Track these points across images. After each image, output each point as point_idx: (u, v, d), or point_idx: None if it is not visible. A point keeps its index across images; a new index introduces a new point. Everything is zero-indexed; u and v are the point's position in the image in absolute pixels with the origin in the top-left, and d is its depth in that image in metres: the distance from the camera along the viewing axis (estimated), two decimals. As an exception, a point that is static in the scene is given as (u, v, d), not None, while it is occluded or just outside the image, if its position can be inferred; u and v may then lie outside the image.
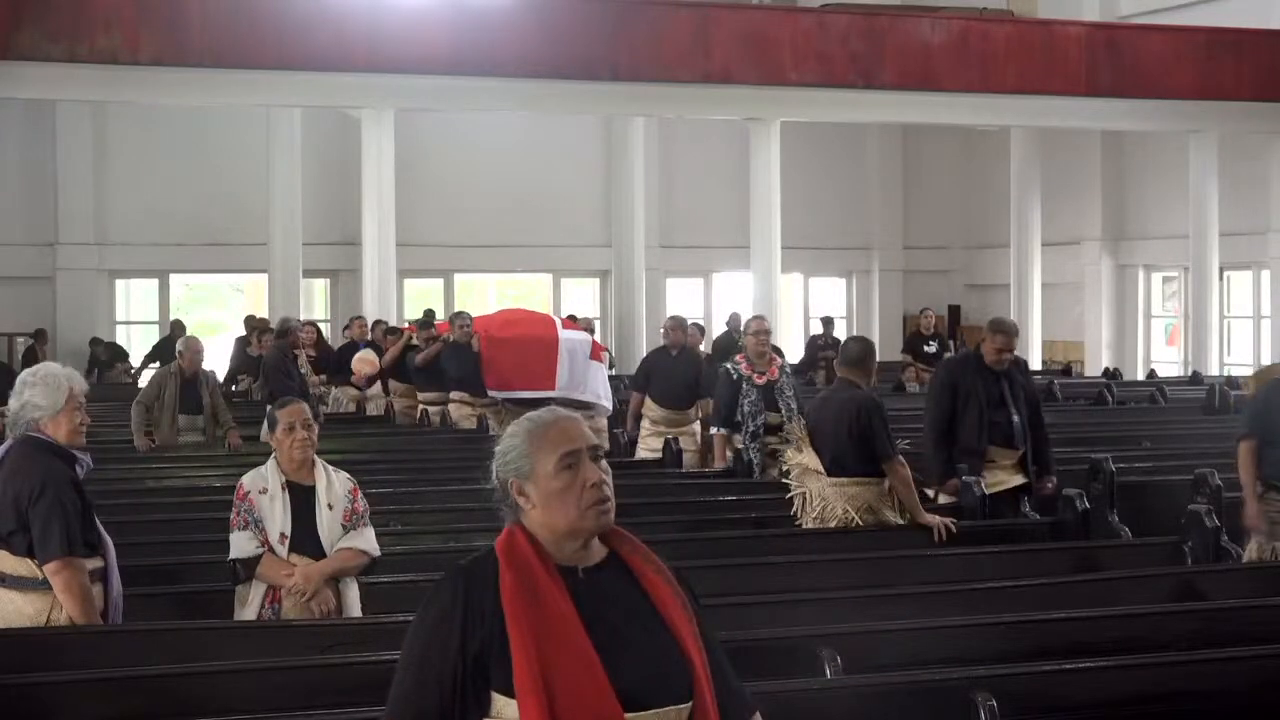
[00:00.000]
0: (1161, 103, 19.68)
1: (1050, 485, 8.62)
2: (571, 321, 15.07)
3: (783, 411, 9.76)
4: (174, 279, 23.72)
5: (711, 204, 24.32)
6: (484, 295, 25.58)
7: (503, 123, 22.65)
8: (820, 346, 19.27)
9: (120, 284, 23.55)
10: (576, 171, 24.28)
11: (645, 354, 13.30)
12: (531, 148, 23.61)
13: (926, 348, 18.16)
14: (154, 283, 23.58)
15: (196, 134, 22.21)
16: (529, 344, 13.57)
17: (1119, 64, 19.44)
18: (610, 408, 13.75)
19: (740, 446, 9.90)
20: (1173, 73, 19.52)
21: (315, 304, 23.62)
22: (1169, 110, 19.83)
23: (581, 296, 24.72)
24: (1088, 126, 21.30)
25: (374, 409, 15.11)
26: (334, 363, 16.15)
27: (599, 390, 13.64)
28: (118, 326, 23.37)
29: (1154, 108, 19.78)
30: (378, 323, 16.49)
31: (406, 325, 16.01)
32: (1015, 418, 8.53)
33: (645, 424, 12.31)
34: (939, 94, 19.04)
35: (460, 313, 14.25)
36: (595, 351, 13.82)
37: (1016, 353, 8.91)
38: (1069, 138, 22.49)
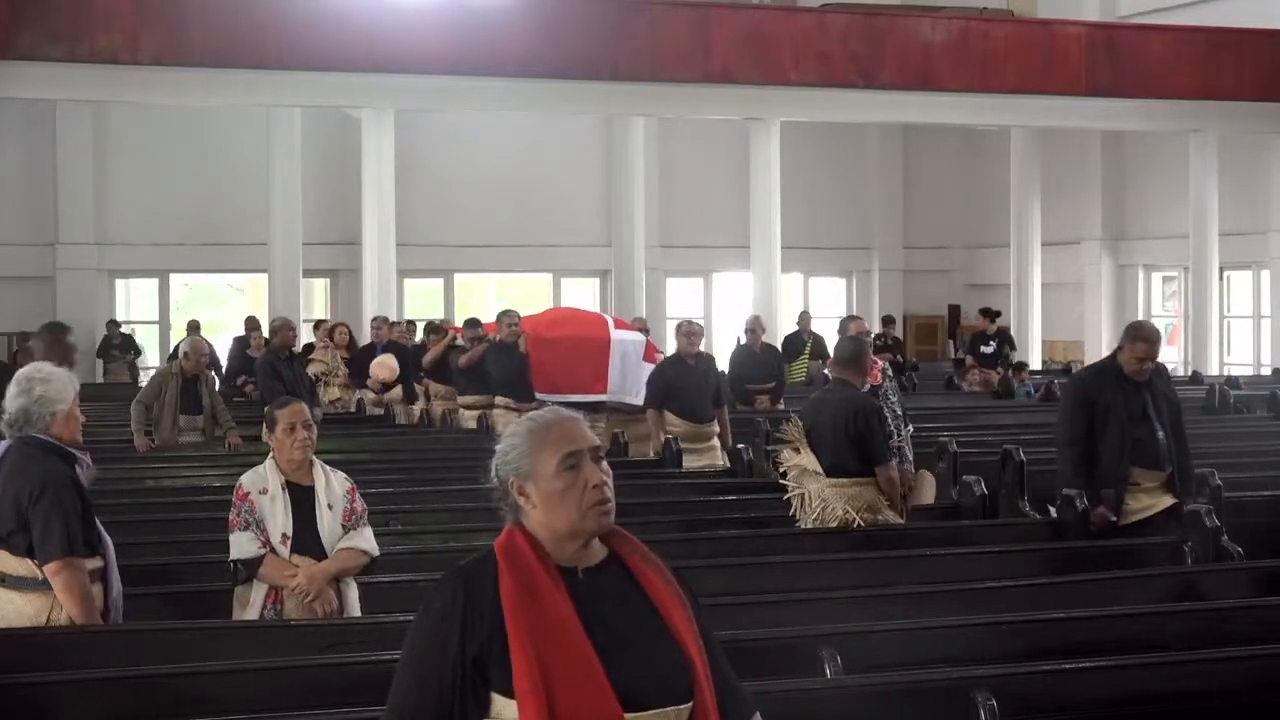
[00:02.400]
0: (1161, 103, 19.68)
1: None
2: (624, 321, 14.22)
3: (889, 420, 8.83)
4: (174, 279, 23.73)
5: (711, 204, 24.32)
6: (484, 295, 25.58)
7: (502, 123, 22.66)
8: (879, 348, 18.76)
9: (120, 284, 23.56)
10: (576, 171, 24.28)
11: (658, 365, 12.47)
12: (531, 148, 23.62)
13: (985, 348, 17.94)
14: (154, 283, 23.58)
15: (196, 134, 22.21)
16: (579, 345, 12.74)
17: (1119, 64, 19.43)
18: None
19: None
20: (1173, 73, 19.52)
21: (315, 304, 23.62)
22: (1169, 110, 19.83)
23: (581, 296, 24.72)
24: (1088, 126, 21.31)
25: (404, 416, 14.56)
26: (354, 365, 15.54)
27: None
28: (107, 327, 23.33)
29: (1154, 108, 19.78)
30: (421, 323, 16.12)
31: (453, 325, 15.47)
32: (1160, 434, 7.72)
33: (670, 439, 11.15)
34: (939, 94, 19.04)
35: (507, 311, 13.36)
36: (649, 353, 12.94)
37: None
38: (1069, 138, 22.49)
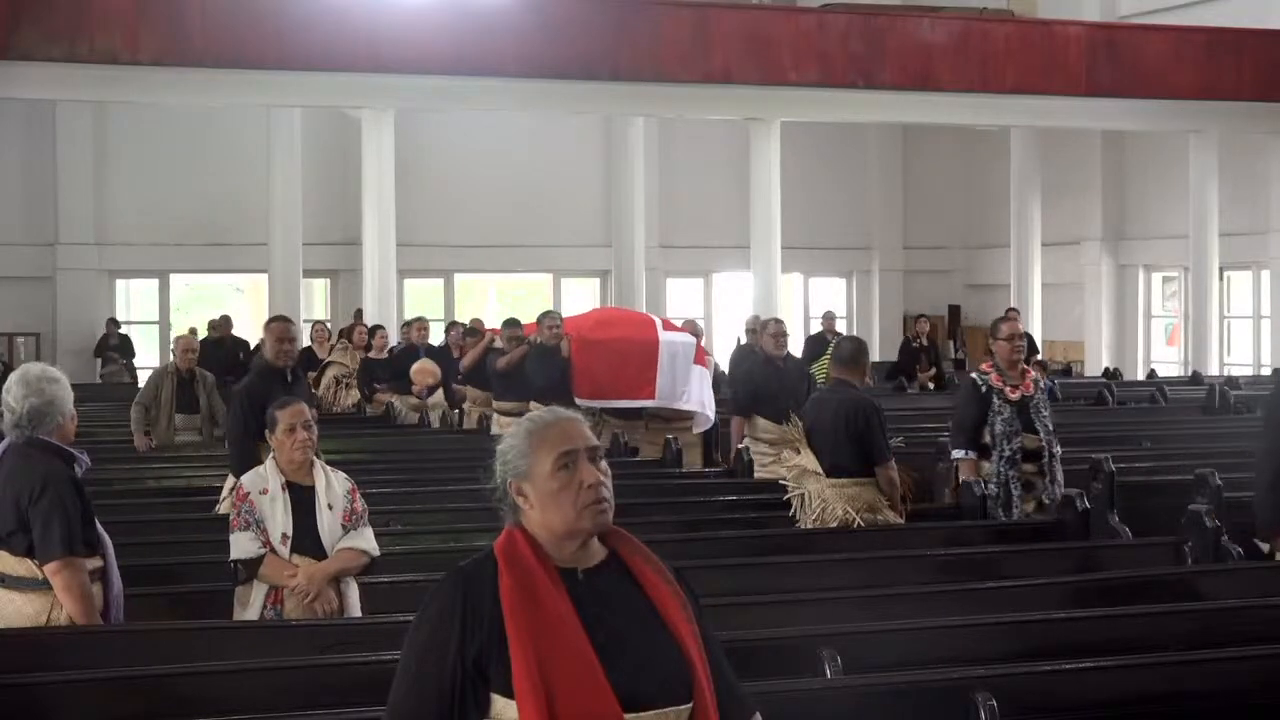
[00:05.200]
0: (1161, 103, 19.68)
1: None
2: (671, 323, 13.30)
3: (1040, 434, 8.22)
4: (174, 279, 23.74)
5: (711, 204, 24.32)
6: (484, 295, 25.59)
7: (503, 123, 22.66)
8: (918, 349, 18.12)
9: (120, 284, 23.56)
10: (576, 171, 24.28)
11: (745, 367, 11.79)
12: (531, 148, 23.62)
13: None
14: (154, 283, 23.59)
15: (196, 134, 22.21)
16: (625, 347, 12.05)
17: (1119, 64, 19.44)
18: (713, 418, 12.19)
19: (990, 474, 8.21)
20: (1173, 73, 19.53)
21: (315, 304, 23.62)
22: (1169, 110, 19.83)
23: (582, 296, 24.73)
24: (1088, 126, 21.31)
25: (436, 420, 13.81)
26: (392, 370, 14.70)
27: (703, 399, 12.06)
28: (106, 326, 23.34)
29: (1154, 108, 19.78)
30: (453, 323, 15.37)
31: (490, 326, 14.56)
32: None
33: (762, 448, 10.46)
34: (939, 94, 19.05)
35: (549, 312, 12.72)
36: (699, 356, 12.25)
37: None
38: (1069, 138, 22.49)
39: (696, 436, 12.23)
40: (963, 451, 8.28)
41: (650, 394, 11.89)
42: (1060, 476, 8.34)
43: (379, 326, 15.89)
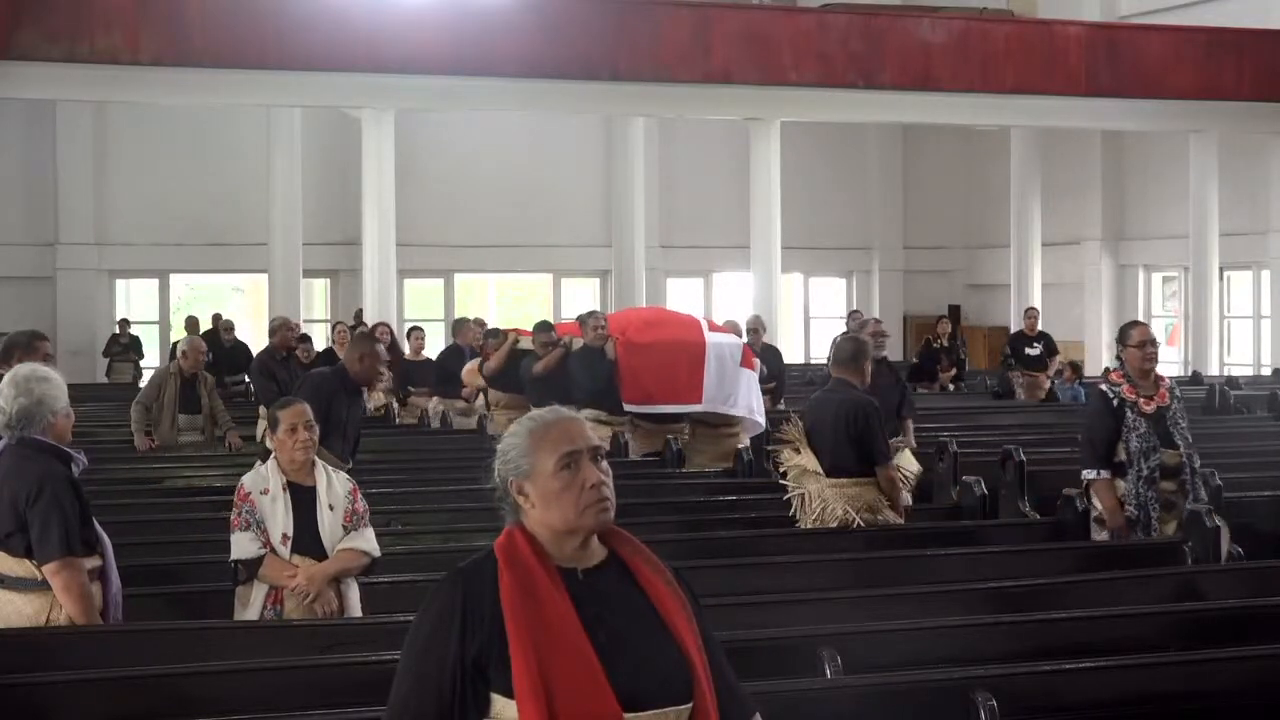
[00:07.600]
0: (1161, 103, 19.68)
1: None
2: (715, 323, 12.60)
3: (1181, 448, 7.53)
4: (174, 279, 23.75)
5: (711, 204, 24.33)
6: (484, 295, 25.60)
7: (503, 123, 22.66)
8: (938, 350, 17.77)
9: (120, 284, 23.57)
10: (576, 171, 24.28)
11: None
12: (531, 148, 23.62)
13: (1029, 350, 17.35)
14: (154, 283, 23.59)
15: (196, 134, 22.23)
16: (673, 350, 11.42)
17: (1119, 64, 19.44)
18: (763, 424, 11.40)
19: (1126, 494, 7.54)
20: (1173, 73, 19.53)
21: (315, 304, 23.62)
22: (1169, 110, 19.84)
23: (582, 296, 24.73)
24: (1088, 126, 21.32)
25: (473, 423, 13.33)
26: (440, 372, 14.40)
27: (751, 404, 11.49)
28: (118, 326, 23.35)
29: (1154, 108, 19.78)
30: (478, 323, 14.99)
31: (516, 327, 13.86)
32: None
33: None
34: (939, 94, 19.05)
35: (593, 312, 12.16)
36: (746, 358, 11.67)
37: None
38: (1069, 138, 22.49)
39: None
40: (1094, 472, 7.57)
41: (697, 399, 11.32)
42: (1202, 493, 7.69)
43: (417, 328, 15.62)
